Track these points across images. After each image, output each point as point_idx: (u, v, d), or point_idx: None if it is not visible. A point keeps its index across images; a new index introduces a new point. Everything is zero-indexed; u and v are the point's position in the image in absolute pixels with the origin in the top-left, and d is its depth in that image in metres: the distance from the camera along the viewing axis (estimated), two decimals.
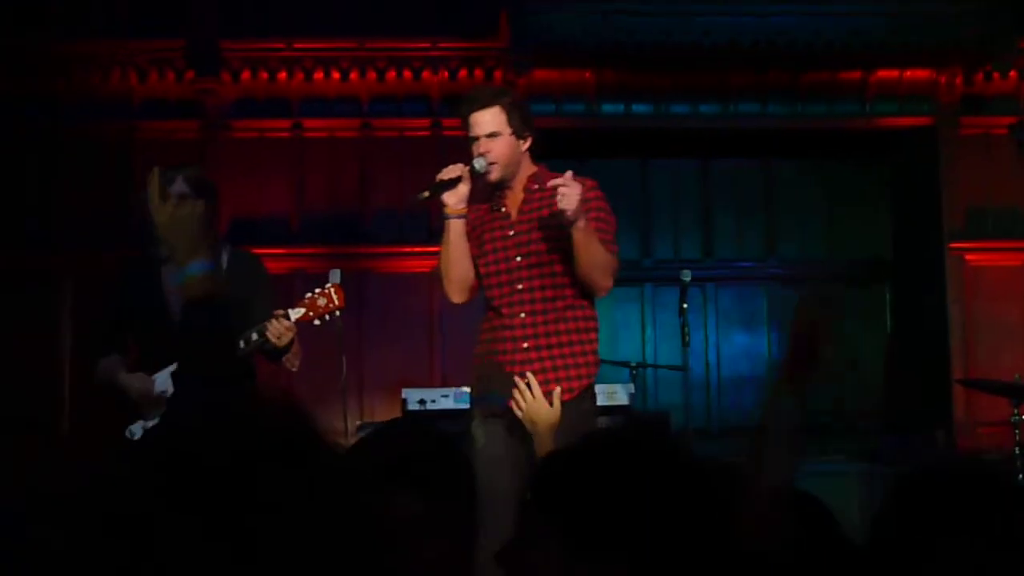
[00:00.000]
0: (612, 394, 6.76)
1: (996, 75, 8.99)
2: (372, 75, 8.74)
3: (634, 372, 7.17)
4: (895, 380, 9.33)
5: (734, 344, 9.56)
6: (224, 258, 4.88)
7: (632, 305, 9.56)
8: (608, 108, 9.06)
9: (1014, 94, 9.07)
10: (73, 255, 8.29)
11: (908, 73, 9.05)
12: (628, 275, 9.59)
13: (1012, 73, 8.99)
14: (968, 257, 8.97)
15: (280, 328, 4.64)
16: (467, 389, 5.49)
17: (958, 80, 9.02)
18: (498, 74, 8.77)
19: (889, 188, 9.75)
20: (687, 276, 6.88)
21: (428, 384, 7.32)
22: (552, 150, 9.05)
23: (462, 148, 8.50)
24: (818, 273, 9.48)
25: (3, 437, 7.19)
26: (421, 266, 8.67)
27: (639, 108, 9.10)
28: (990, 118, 8.97)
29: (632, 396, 6.92)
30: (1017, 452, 6.44)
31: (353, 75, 8.73)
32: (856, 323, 9.49)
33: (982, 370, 8.30)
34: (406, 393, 6.66)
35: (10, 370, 7.98)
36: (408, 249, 8.66)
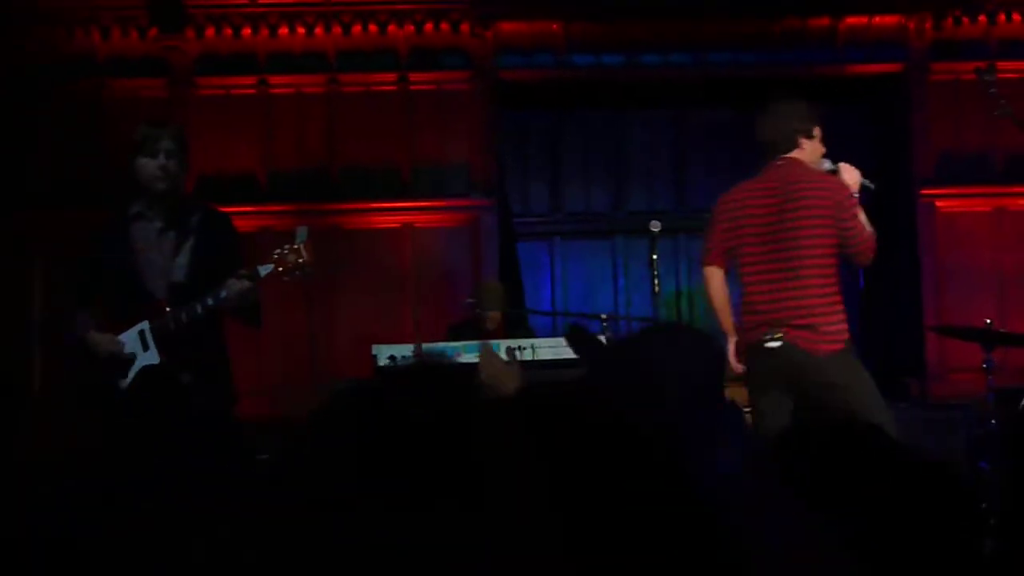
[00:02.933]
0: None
1: (965, 20, 8.97)
2: (338, 30, 8.66)
3: (605, 323, 7.15)
4: (867, 328, 9.36)
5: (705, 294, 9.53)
6: (195, 217, 4.87)
7: (604, 257, 9.54)
8: (579, 59, 9.00)
9: (983, 39, 9.04)
10: (43, 213, 8.23)
11: (877, 19, 9.02)
12: (600, 227, 9.61)
13: (981, 18, 8.97)
14: (939, 204, 8.98)
15: (240, 287, 4.62)
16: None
17: (928, 25, 9.00)
18: (464, 27, 8.71)
19: (860, 135, 9.72)
20: (656, 227, 6.84)
21: (400, 340, 7.29)
22: (524, 102, 9.13)
23: (429, 101, 8.50)
24: None
25: None
26: (390, 221, 8.65)
27: (610, 59, 9.05)
28: (960, 63, 8.93)
29: None
30: (989, 398, 6.45)
31: (319, 30, 8.65)
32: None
33: (953, 316, 8.32)
34: (376, 349, 6.62)
35: None
36: (377, 205, 8.63)
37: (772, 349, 4.85)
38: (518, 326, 7.85)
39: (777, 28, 8.98)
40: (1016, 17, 8.99)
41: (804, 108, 5.20)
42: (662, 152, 9.75)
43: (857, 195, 5.02)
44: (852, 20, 9.00)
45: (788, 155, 5.09)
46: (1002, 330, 7.00)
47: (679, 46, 9.02)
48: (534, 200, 9.60)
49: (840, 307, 4.93)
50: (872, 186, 5.22)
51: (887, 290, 9.27)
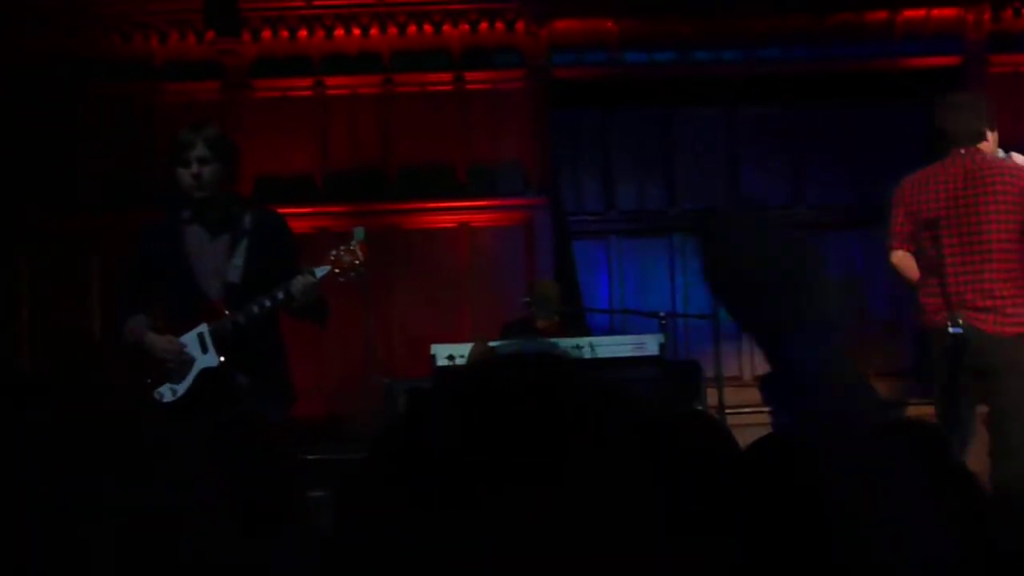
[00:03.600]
0: (642, 345, 6.71)
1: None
2: (393, 30, 8.69)
3: (663, 322, 7.12)
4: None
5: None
6: (247, 218, 4.88)
7: (660, 255, 9.51)
8: (631, 57, 8.99)
9: None
10: (99, 216, 8.30)
11: (935, 12, 8.93)
12: (655, 224, 9.58)
13: None
14: None
15: (303, 285, 4.64)
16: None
17: (986, 17, 8.90)
18: (519, 26, 8.71)
19: (917, 129, 9.61)
20: None
21: (456, 340, 7.29)
22: (577, 100, 9.11)
23: (483, 100, 8.52)
24: (843, 218, 9.40)
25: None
26: (445, 221, 8.65)
27: (662, 56, 9.03)
28: (1019, 55, 8.83)
29: (662, 346, 6.87)
30: None
31: (374, 31, 8.68)
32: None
33: None
34: (435, 349, 6.62)
35: (42, 331, 8.05)
36: (432, 204, 8.64)
37: (956, 335, 4.94)
38: (574, 325, 7.83)
39: (830, 22, 8.91)
40: None
41: (986, 102, 5.40)
42: (715, 149, 9.69)
43: None
44: (909, 13, 8.91)
45: (973, 146, 5.19)
46: None
47: (730, 42, 8.99)
48: (588, 198, 9.58)
49: None
50: None
51: None
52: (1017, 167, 5.16)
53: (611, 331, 7.85)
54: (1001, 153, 5.28)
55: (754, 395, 8.44)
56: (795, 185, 9.67)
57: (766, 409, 7.59)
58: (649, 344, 6.77)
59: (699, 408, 6.65)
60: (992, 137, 5.25)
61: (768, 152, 9.63)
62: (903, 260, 5.33)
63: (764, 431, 2.03)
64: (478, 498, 0.96)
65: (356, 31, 8.69)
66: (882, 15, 8.93)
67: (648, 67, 9.07)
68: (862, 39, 8.99)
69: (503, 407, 1.02)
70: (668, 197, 9.66)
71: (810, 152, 9.67)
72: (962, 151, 5.19)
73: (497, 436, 0.99)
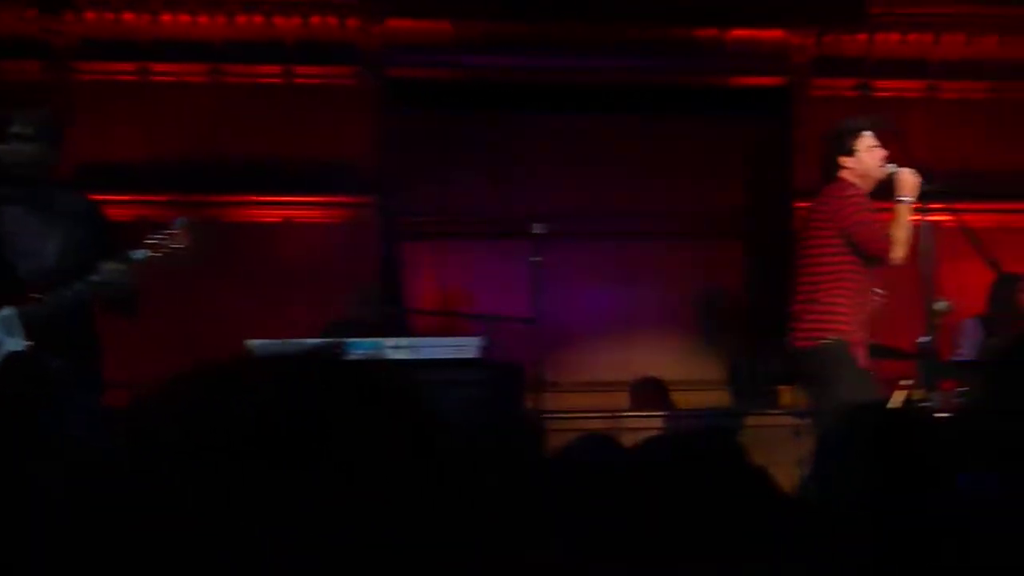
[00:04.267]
0: (464, 347, 6.71)
1: (846, 38, 9.15)
2: (222, 19, 8.53)
3: (488, 325, 7.13)
4: (746, 340, 9.49)
5: (588, 298, 9.57)
6: (65, 202, 4.79)
7: (489, 259, 9.51)
8: (468, 59, 8.99)
9: (863, 56, 9.22)
10: None
11: (763, 33, 9.16)
12: (485, 228, 9.59)
13: (861, 36, 9.16)
14: None
15: (117, 268, 4.55)
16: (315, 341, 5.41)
17: (810, 41, 9.16)
18: (352, 22, 8.64)
19: (745, 145, 9.85)
20: (540, 229, 6.88)
21: (278, 336, 7.17)
22: (412, 100, 9.08)
23: (315, 95, 8.42)
24: (673, 228, 9.58)
25: None
26: (272, 216, 8.55)
27: (500, 60, 9.05)
28: (840, 79, 9.12)
29: (485, 349, 6.88)
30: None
31: (202, 18, 8.51)
32: (708, 280, 9.62)
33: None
34: (250, 344, 6.51)
35: None
36: (259, 198, 8.52)
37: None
38: (398, 326, 7.80)
39: (666, 35, 9.07)
40: (895, 37, 9.19)
41: (840, 129, 5.71)
42: (549, 154, 9.74)
43: (908, 199, 5.47)
44: (738, 32, 9.12)
45: (828, 185, 5.62)
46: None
47: (566, 50, 9.05)
48: (419, 200, 9.54)
49: (823, 307, 5.50)
50: (933, 188, 5.62)
51: (763, 298, 9.40)
52: (833, 192, 5.54)
53: (436, 333, 7.82)
54: (890, 167, 5.60)
55: (572, 401, 8.54)
56: (623, 194, 9.77)
57: (583, 415, 7.67)
58: (471, 347, 6.77)
59: (520, 411, 6.69)
60: (852, 161, 5.59)
61: (601, 159, 9.72)
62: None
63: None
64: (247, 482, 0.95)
65: (184, 17, 8.50)
66: (713, 32, 9.12)
67: (484, 70, 9.09)
68: (693, 54, 9.17)
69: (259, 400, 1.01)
70: (500, 201, 9.67)
71: (639, 161, 9.78)
72: (823, 189, 5.65)
73: (257, 426, 0.98)
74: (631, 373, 9.15)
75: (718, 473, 2.06)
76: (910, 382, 6.87)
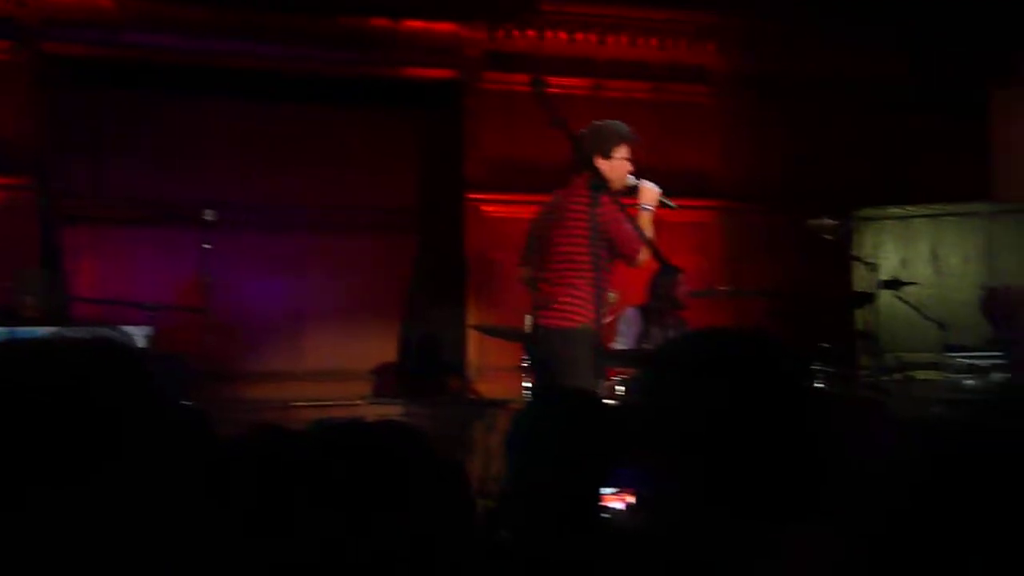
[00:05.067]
0: (128, 336, 6.47)
1: (517, 33, 9.34)
2: None
3: (152, 314, 6.91)
4: (417, 327, 9.57)
5: (258, 288, 9.40)
6: None
7: (154, 245, 9.19)
8: (130, 38, 8.64)
9: (533, 52, 9.43)
10: None
11: (435, 25, 9.22)
12: (149, 214, 9.27)
13: (531, 32, 9.37)
14: (486, 208, 9.29)
15: None
16: None
17: (482, 36, 9.30)
18: None
19: (415, 138, 9.91)
20: (210, 216, 6.72)
21: None
22: (72, 78, 8.66)
23: None
24: (347, 220, 9.53)
25: None
26: None
27: (165, 41, 8.75)
28: (512, 75, 9.28)
29: (150, 339, 6.67)
30: (523, 396, 6.74)
31: None
32: (380, 272, 9.63)
33: (496, 318, 8.63)
34: None
35: None
36: None
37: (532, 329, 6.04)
38: (60, 314, 7.45)
39: (338, 24, 8.99)
40: (563, 35, 9.46)
41: (607, 130, 6.06)
42: (213, 139, 9.49)
43: (651, 208, 5.96)
44: (410, 23, 9.16)
45: (580, 174, 5.90)
46: None
47: (235, 34, 8.84)
48: (81, 183, 9.11)
49: (578, 292, 5.88)
50: (672, 204, 6.17)
51: (434, 289, 9.51)
52: (587, 201, 5.75)
53: (101, 323, 7.50)
54: (631, 180, 6.00)
55: (246, 391, 8.40)
56: (295, 184, 9.63)
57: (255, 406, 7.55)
58: (136, 336, 6.56)
59: (186, 403, 6.50)
60: (607, 164, 5.95)
61: (269, 149, 9.56)
62: (525, 275, 6.35)
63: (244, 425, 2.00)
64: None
65: None
66: (384, 23, 9.12)
67: (147, 50, 8.75)
68: (367, 44, 9.13)
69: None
70: (168, 186, 9.35)
71: (312, 152, 9.67)
72: (574, 178, 5.97)
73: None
74: (304, 364, 9.09)
75: (402, 463, 2.08)
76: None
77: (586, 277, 5.81)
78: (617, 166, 5.98)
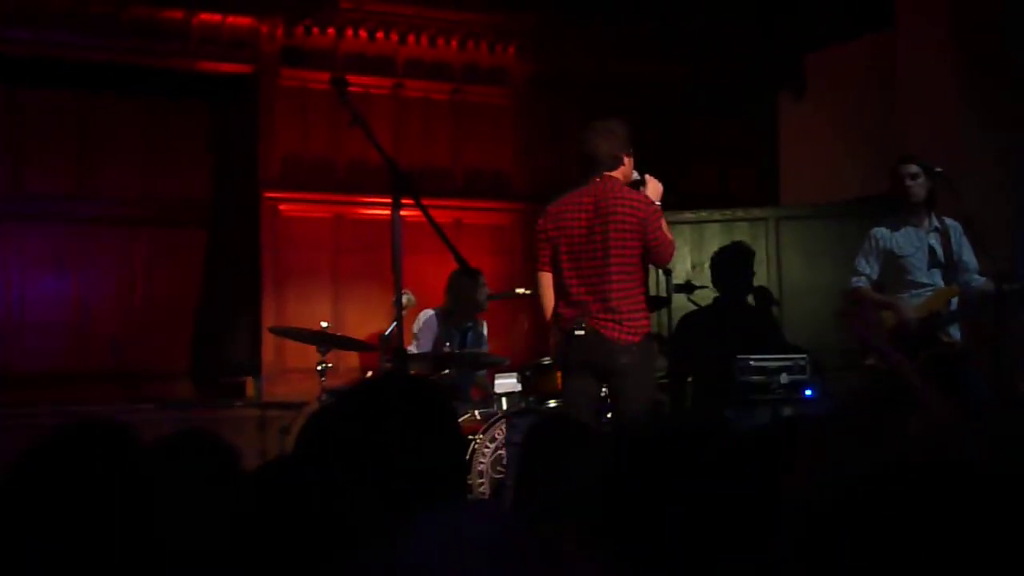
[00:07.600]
0: None
1: (316, 30, 9.20)
2: None
3: None
4: (210, 327, 9.34)
5: (40, 288, 9.01)
6: None
7: None
8: None
9: (331, 50, 9.31)
10: None
11: (231, 19, 9.02)
12: None
13: (330, 30, 9.25)
14: (282, 207, 9.12)
15: None
16: None
17: (279, 31, 9.13)
18: None
19: (209, 132, 9.66)
20: None
21: None
22: None
23: None
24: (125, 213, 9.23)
25: None
26: None
27: None
28: (309, 72, 9.15)
29: None
30: (321, 399, 6.63)
31: None
32: (174, 269, 9.37)
33: (292, 318, 8.50)
34: None
35: None
36: None
37: (578, 336, 5.53)
38: None
39: (128, 14, 8.69)
40: (363, 33, 9.35)
41: (626, 128, 5.79)
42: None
43: (659, 204, 5.70)
44: (206, 16, 8.93)
45: (609, 173, 5.68)
46: (336, 333, 7.28)
47: (20, 19, 8.46)
48: None
49: (643, 306, 5.65)
50: (673, 197, 6.04)
51: (227, 290, 9.30)
52: (637, 198, 5.61)
53: None
54: (635, 176, 5.79)
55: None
56: (80, 176, 9.28)
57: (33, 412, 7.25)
58: None
59: None
60: (628, 162, 5.76)
61: (55, 139, 9.18)
62: (543, 280, 5.83)
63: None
64: None
65: None
66: (179, 15, 8.87)
67: None
68: (158, 36, 8.86)
69: None
70: None
71: (100, 142, 9.33)
72: (598, 179, 5.68)
73: None
74: (84, 365, 8.78)
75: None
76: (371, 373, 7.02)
77: (640, 281, 5.67)
78: (629, 163, 5.85)
